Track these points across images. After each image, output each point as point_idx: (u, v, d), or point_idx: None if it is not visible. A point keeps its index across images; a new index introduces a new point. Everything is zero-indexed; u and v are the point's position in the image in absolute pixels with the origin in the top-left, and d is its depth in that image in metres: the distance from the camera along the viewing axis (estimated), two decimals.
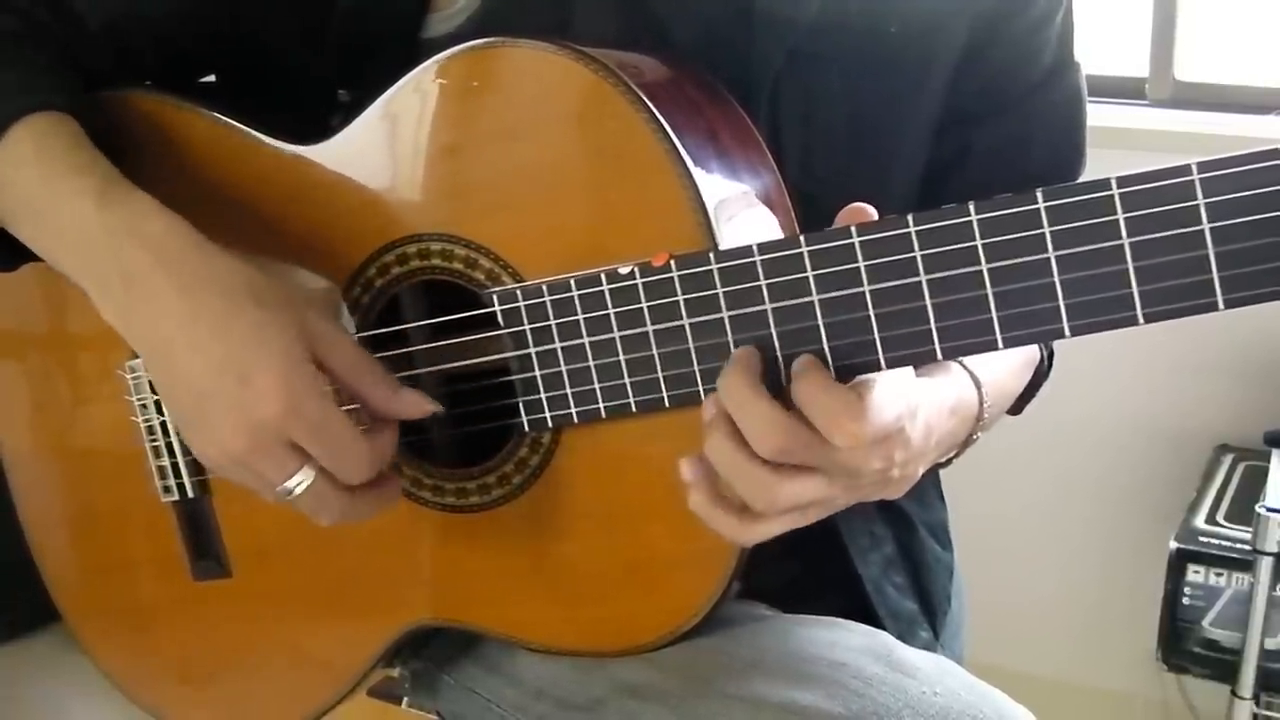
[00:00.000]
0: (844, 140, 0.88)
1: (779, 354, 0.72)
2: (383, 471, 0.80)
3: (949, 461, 0.87)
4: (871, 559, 0.97)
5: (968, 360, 0.84)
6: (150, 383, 0.93)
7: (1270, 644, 1.77)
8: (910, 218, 0.68)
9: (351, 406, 0.80)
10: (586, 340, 0.78)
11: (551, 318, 0.79)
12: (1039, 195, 0.65)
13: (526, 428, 0.83)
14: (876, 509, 0.97)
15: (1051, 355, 0.99)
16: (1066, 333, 0.66)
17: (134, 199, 0.81)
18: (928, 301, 0.68)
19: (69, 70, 0.88)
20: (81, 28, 0.92)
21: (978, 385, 0.84)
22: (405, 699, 1.04)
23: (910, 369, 0.73)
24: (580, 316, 0.78)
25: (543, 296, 0.79)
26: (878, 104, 0.88)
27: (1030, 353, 0.96)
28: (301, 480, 0.77)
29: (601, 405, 0.79)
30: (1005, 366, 0.91)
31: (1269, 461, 1.90)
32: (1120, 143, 2.01)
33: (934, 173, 0.91)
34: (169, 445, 0.94)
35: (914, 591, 0.99)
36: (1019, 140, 0.92)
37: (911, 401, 0.73)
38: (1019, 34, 0.90)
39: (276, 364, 0.76)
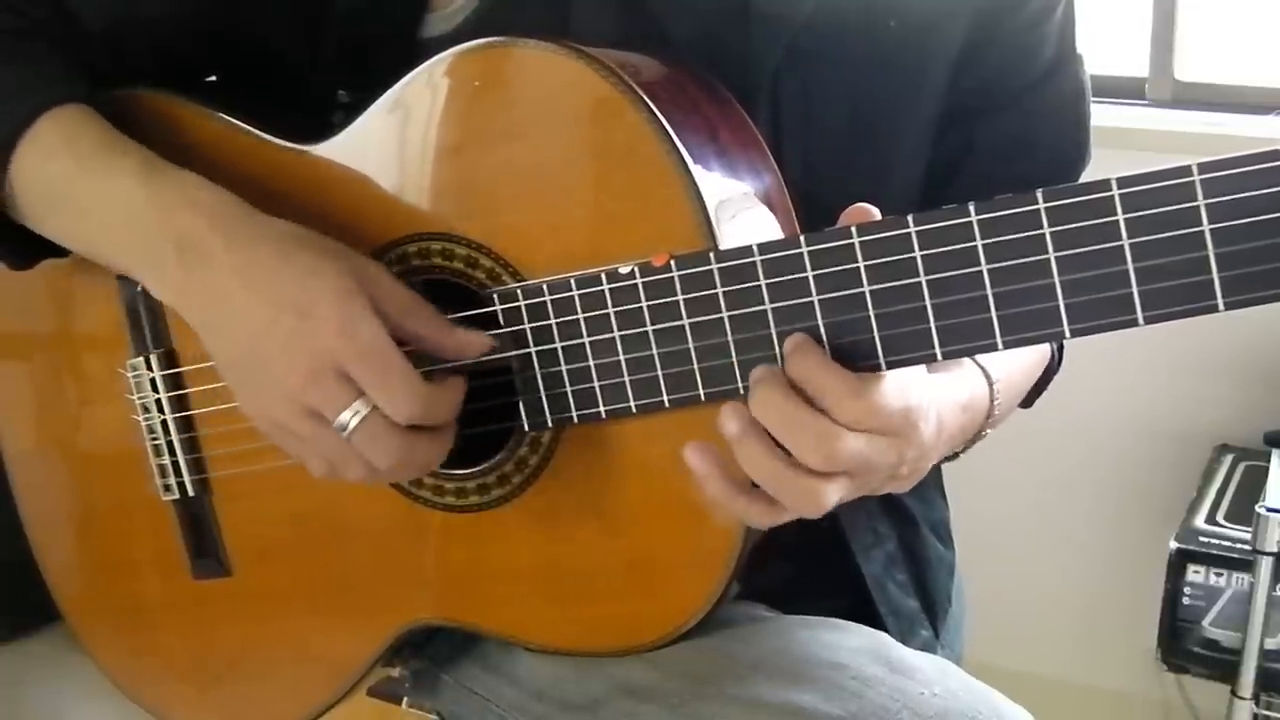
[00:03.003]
0: (844, 138, 0.88)
1: (779, 354, 0.72)
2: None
3: (956, 456, 0.87)
4: (874, 556, 0.97)
5: (980, 356, 0.84)
6: (153, 381, 0.93)
7: (1270, 644, 1.77)
8: (910, 218, 0.68)
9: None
10: (586, 340, 0.78)
11: (552, 317, 0.79)
12: (1039, 196, 0.65)
13: (526, 427, 0.83)
14: (880, 508, 0.98)
15: (1061, 349, 1.00)
16: (1067, 334, 0.66)
17: (178, 171, 0.82)
18: (928, 302, 0.68)
19: (78, 65, 0.89)
20: (80, 28, 0.92)
21: (990, 382, 0.84)
22: (405, 699, 1.04)
23: (922, 367, 0.73)
24: (580, 316, 0.78)
25: (543, 296, 0.79)
26: (877, 101, 0.88)
27: (1041, 348, 0.96)
28: (357, 411, 0.76)
29: (601, 405, 0.79)
30: (1018, 363, 0.92)
31: (1269, 461, 1.90)
32: (1120, 143, 2.01)
33: (938, 172, 0.91)
34: (169, 444, 0.95)
35: (915, 589, 0.99)
36: (1022, 137, 0.92)
37: (925, 401, 0.73)
38: (1017, 30, 0.89)
39: (331, 295, 0.76)
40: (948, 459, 0.87)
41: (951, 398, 0.80)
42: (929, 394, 0.74)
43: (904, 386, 0.71)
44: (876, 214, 0.70)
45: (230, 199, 0.81)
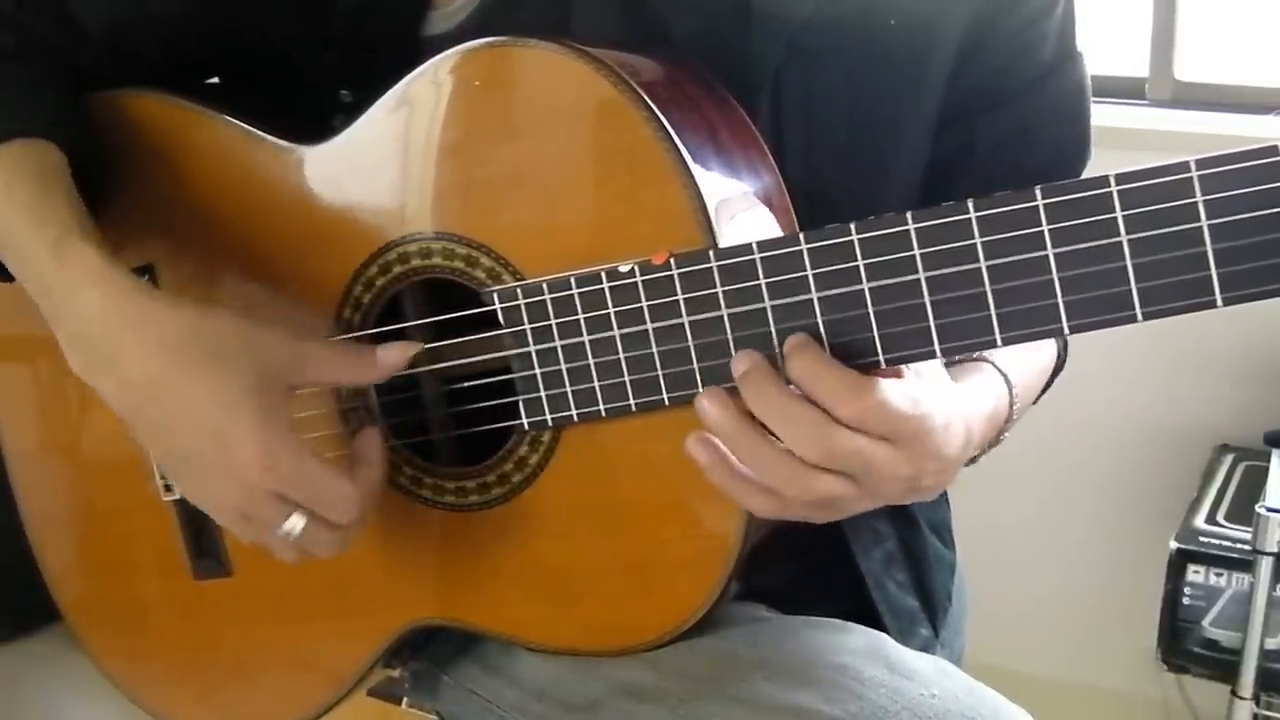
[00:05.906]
0: (845, 136, 0.88)
1: (779, 352, 0.72)
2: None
3: (973, 460, 0.87)
4: (874, 554, 0.97)
5: (1000, 360, 0.84)
6: None
7: (1270, 644, 1.77)
8: (909, 215, 0.68)
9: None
10: (586, 338, 0.78)
11: (551, 316, 0.79)
12: (1038, 193, 0.65)
13: (526, 426, 0.83)
14: (881, 508, 0.97)
15: (1066, 345, 1.00)
16: (1065, 330, 0.66)
17: (83, 259, 0.80)
18: (926, 299, 0.68)
19: (61, 87, 0.89)
20: (83, 35, 0.92)
21: (1010, 387, 0.84)
22: (405, 699, 1.04)
23: (943, 373, 0.73)
24: (580, 315, 0.78)
25: (543, 294, 0.79)
26: (877, 99, 0.88)
27: (1049, 349, 0.97)
28: (295, 524, 0.80)
29: (601, 404, 0.79)
30: (1032, 365, 0.92)
31: (1269, 461, 1.90)
32: (1120, 143, 2.01)
33: (939, 171, 0.91)
34: None
35: (915, 589, 0.99)
36: (1022, 134, 0.92)
37: (950, 414, 0.73)
38: (1016, 28, 0.90)
39: (246, 423, 0.77)
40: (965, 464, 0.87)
41: (980, 409, 0.80)
42: (957, 407, 0.74)
43: (915, 398, 0.71)
44: None
45: (125, 289, 0.79)
